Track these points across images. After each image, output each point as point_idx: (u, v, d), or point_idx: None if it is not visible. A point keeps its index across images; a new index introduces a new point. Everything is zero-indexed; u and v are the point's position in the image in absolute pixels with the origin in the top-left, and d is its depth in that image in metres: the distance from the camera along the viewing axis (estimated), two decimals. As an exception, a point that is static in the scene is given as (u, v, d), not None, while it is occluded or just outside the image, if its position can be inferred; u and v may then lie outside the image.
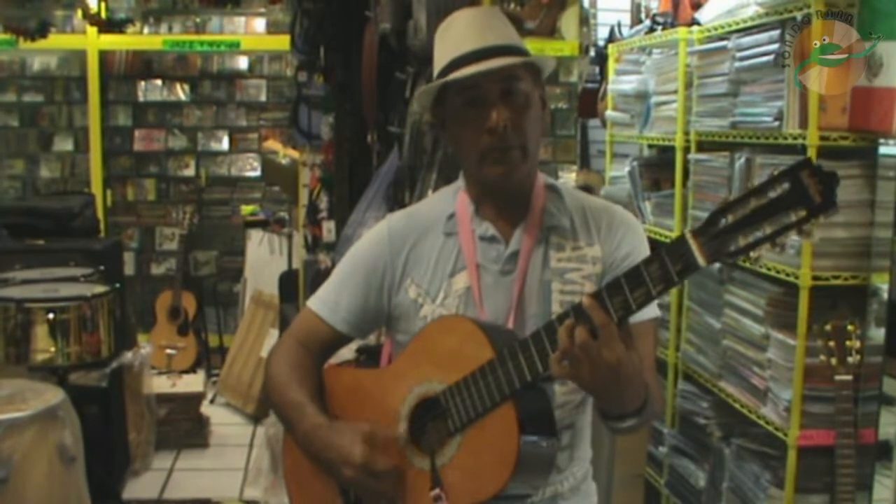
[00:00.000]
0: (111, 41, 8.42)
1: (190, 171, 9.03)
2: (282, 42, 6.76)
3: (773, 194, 1.45)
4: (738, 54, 3.71)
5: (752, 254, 1.49)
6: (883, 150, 3.20)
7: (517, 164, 1.98)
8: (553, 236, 2.06)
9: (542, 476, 1.90)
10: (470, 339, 1.86)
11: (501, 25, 2.04)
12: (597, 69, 6.14)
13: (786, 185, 1.44)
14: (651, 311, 2.00)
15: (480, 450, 1.83)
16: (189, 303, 7.82)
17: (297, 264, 6.56)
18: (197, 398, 6.38)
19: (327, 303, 2.17)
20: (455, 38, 2.01)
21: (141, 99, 8.96)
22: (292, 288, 6.24)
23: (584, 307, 1.62)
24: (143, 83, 8.96)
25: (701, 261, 1.53)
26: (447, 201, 2.14)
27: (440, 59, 2.04)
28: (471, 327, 1.88)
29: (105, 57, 8.68)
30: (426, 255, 2.09)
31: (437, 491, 1.86)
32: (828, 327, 3.17)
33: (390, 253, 2.11)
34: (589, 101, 6.11)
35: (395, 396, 1.98)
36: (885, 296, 3.26)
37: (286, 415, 2.10)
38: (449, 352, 1.90)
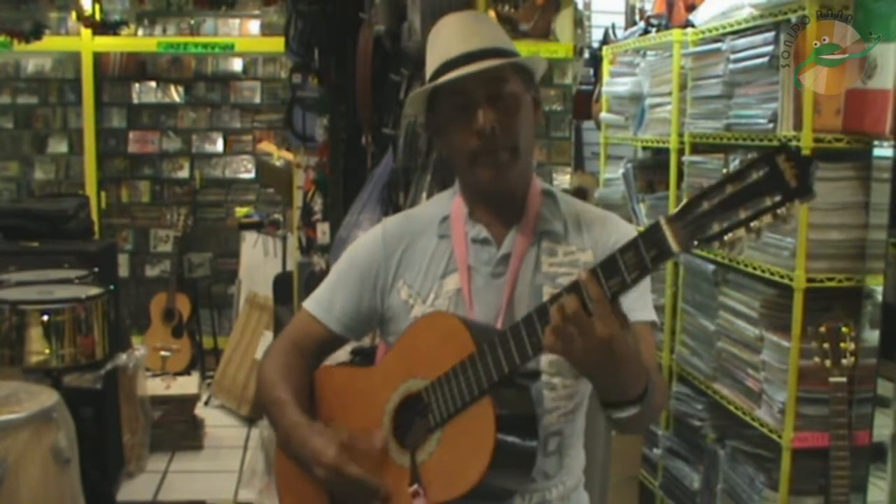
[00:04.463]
0: (105, 43, 8.42)
1: (184, 173, 9.04)
2: (276, 44, 6.74)
3: (749, 179, 1.45)
4: (733, 56, 3.72)
5: (726, 238, 1.47)
6: (877, 151, 3.21)
7: (507, 166, 1.97)
8: (546, 240, 2.05)
9: (522, 475, 1.89)
10: (453, 335, 1.86)
11: (489, 28, 2.04)
12: (591, 71, 6.16)
13: (762, 171, 1.44)
14: (647, 314, 2.00)
15: (458, 445, 1.83)
16: (183, 305, 7.81)
17: (291, 266, 6.55)
18: (191, 400, 6.38)
19: (321, 303, 2.17)
20: (443, 42, 2.01)
21: (135, 101, 8.96)
22: (287, 290, 6.23)
23: (579, 281, 1.61)
24: (137, 85, 8.96)
25: (675, 247, 1.52)
26: (443, 205, 2.15)
27: (430, 65, 2.04)
28: (455, 323, 1.88)
29: (99, 59, 8.68)
30: (419, 256, 2.10)
31: (415, 487, 1.85)
32: (822, 329, 3.17)
33: (384, 254, 2.12)
34: (583, 103, 6.13)
35: (382, 394, 1.98)
36: (880, 298, 3.26)
37: (270, 413, 2.12)
38: (433, 348, 1.90)
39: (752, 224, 1.45)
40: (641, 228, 1.66)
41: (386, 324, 2.15)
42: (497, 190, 2.02)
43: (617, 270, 1.59)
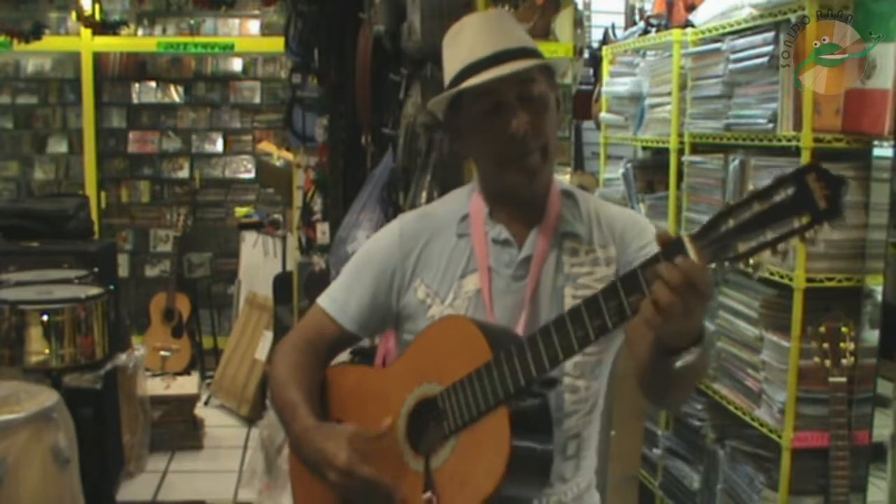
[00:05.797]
0: (105, 43, 8.42)
1: (184, 173, 9.04)
2: (276, 44, 6.75)
3: (777, 198, 1.41)
4: (732, 56, 3.72)
5: (751, 260, 1.45)
6: (877, 151, 3.20)
7: (538, 169, 1.95)
8: (567, 241, 2.03)
9: (538, 483, 1.86)
10: (469, 340, 1.83)
11: (513, 28, 2.00)
12: (591, 71, 6.14)
13: (791, 190, 1.40)
14: None
15: (473, 454, 1.80)
16: (183, 305, 7.81)
17: (291, 266, 6.55)
18: (191, 400, 6.37)
19: (337, 301, 2.15)
20: (467, 43, 1.96)
21: (135, 101, 8.97)
22: (286, 290, 6.24)
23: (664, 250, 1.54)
24: (137, 85, 8.97)
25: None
26: (461, 202, 2.12)
27: (452, 65, 2.00)
28: (471, 328, 1.84)
29: (99, 59, 8.69)
30: (437, 255, 2.07)
31: (428, 494, 1.83)
32: (822, 329, 3.17)
33: (401, 253, 2.09)
34: (583, 103, 6.12)
35: (396, 396, 1.96)
36: (879, 298, 3.26)
37: (282, 415, 2.08)
38: (449, 353, 1.87)
39: (778, 246, 1.42)
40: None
41: (402, 323, 2.13)
42: (525, 193, 2.00)
43: (637, 287, 1.56)
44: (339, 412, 2.11)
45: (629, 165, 4.91)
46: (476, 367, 1.79)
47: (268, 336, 6.83)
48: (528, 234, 2.02)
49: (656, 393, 1.88)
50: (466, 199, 2.11)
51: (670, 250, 1.52)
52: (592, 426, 2.11)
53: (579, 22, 6.44)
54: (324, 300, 2.18)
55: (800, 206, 1.39)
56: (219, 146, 9.05)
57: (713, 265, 1.49)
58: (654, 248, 2.00)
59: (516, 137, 1.90)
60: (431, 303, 2.05)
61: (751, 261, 1.45)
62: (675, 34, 4.35)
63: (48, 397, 3.63)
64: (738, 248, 1.45)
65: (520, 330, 1.96)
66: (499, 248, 2.03)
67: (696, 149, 4.17)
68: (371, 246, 2.18)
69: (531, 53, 1.95)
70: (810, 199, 1.38)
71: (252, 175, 8.88)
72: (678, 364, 1.71)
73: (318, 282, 2.22)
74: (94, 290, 4.42)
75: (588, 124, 6.38)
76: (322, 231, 4.80)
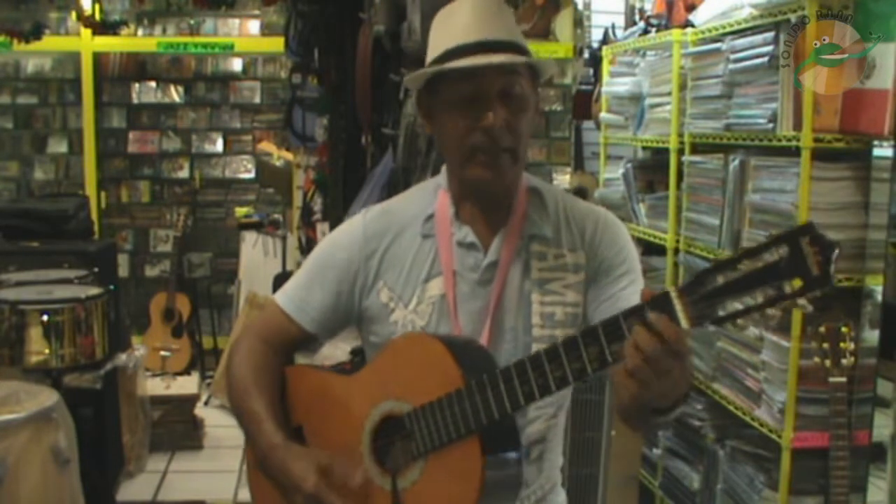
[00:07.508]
0: (105, 43, 8.42)
1: (184, 173, 9.04)
2: (276, 44, 6.76)
3: (769, 258, 1.37)
4: (732, 56, 3.72)
5: (739, 322, 1.41)
6: (877, 151, 3.21)
7: (505, 169, 1.90)
8: (534, 244, 1.98)
9: (508, 498, 1.85)
10: (438, 362, 1.78)
11: (508, 20, 1.94)
12: (591, 71, 6.15)
13: (783, 251, 1.36)
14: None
15: (442, 479, 1.78)
16: (183, 305, 7.81)
17: (291, 266, 6.55)
18: (191, 400, 6.37)
19: (295, 300, 2.08)
20: (458, 25, 1.89)
21: (135, 101, 8.97)
22: (287, 290, 6.24)
23: (650, 314, 1.49)
24: (137, 85, 8.96)
25: (684, 323, 1.44)
26: (426, 199, 2.05)
27: (438, 45, 1.92)
28: (440, 350, 1.79)
29: (99, 59, 8.69)
30: (401, 256, 2.01)
31: None
32: (822, 329, 3.17)
33: (365, 254, 2.02)
34: (583, 103, 6.13)
35: (360, 408, 1.91)
36: (879, 298, 3.26)
37: (245, 425, 2.04)
38: (416, 372, 1.83)
39: (769, 312, 1.38)
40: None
41: (364, 324, 2.07)
42: (489, 190, 1.95)
43: (620, 336, 1.52)
44: (300, 416, 2.07)
45: (629, 165, 4.91)
46: (447, 392, 1.75)
47: (268, 336, 6.82)
48: (493, 237, 1.97)
49: (633, 426, 1.86)
50: (432, 197, 2.05)
51: (657, 306, 1.47)
52: (557, 427, 2.07)
53: (579, 22, 6.45)
54: (282, 298, 2.11)
55: (792, 269, 1.35)
56: (219, 146, 9.05)
57: (696, 327, 1.44)
58: (629, 252, 2.00)
59: (489, 132, 1.84)
60: (395, 307, 1.99)
61: (739, 321, 1.41)
62: (675, 34, 4.36)
63: (48, 397, 3.63)
64: (726, 307, 1.41)
65: (484, 337, 1.93)
66: (464, 252, 1.97)
67: (696, 149, 4.18)
68: (333, 243, 2.10)
69: (520, 50, 1.90)
70: (803, 264, 1.35)
71: (252, 175, 8.87)
72: (661, 420, 1.70)
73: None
74: (94, 290, 4.41)
75: (588, 124, 6.39)
76: (322, 231, 4.80)
